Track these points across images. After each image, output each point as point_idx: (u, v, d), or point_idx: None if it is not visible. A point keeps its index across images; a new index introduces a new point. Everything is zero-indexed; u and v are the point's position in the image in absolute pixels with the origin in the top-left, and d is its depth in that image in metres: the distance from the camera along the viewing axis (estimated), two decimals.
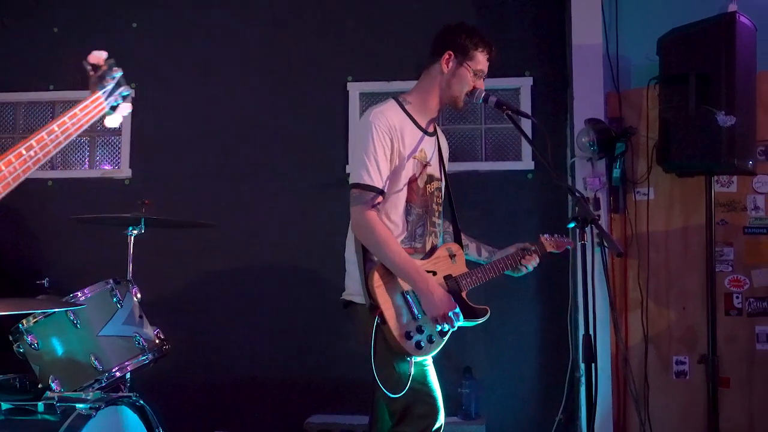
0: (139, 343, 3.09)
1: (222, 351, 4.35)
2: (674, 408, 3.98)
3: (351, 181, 2.75)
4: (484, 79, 2.90)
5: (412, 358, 2.64)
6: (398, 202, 2.78)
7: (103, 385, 2.98)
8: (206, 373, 4.36)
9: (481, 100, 2.84)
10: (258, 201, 4.44)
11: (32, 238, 4.63)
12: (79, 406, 2.52)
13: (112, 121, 2.19)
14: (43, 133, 1.73)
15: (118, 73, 2.17)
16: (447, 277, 2.83)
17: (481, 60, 2.85)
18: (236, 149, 4.55)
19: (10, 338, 3.05)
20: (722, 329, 3.85)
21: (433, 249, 2.87)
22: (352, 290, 2.76)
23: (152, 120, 4.63)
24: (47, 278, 3.23)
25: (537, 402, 4.22)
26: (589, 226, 2.54)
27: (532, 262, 2.97)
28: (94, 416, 2.48)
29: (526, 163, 4.38)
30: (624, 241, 4.06)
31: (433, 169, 2.89)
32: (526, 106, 4.34)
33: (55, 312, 2.94)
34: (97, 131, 4.79)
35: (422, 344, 2.65)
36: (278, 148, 4.48)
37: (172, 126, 4.62)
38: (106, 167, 4.73)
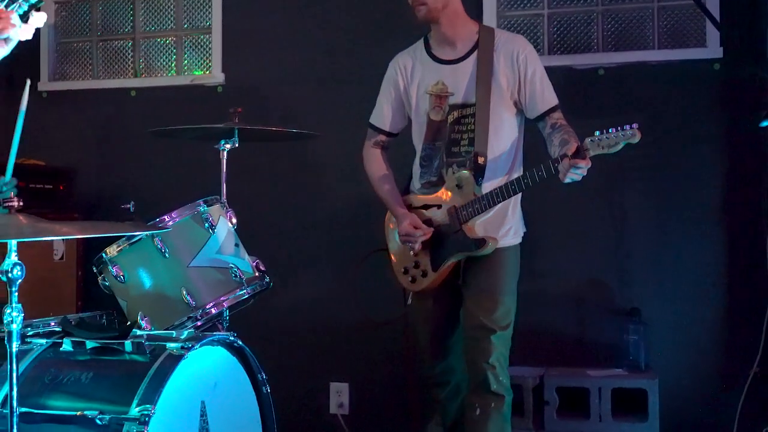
0: (236, 276, 3.19)
1: (336, 288, 4.46)
2: None
3: None
4: None
5: (410, 294, 3.41)
6: (418, 139, 3.43)
7: (198, 323, 3.14)
8: (316, 313, 4.51)
9: None
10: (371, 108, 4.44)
11: (114, 156, 4.89)
12: (170, 345, 2.67)
13: (23, 34, 2.19)
14: None
15: None
16: (451, 210, 3.27)
17: None
18: (345, 46, 4.59)
19: (94, 270, 3.25)
20: None
21: (442, 181, 3.32)
22: None
23: (246, 13, 4.72)
24: (132, 202, 3.39)
25: (724, 352, 4.13)
26: None
27: (575, 170, 2.94)
28: (186, 357, 2.63)
29: (713, 49, 4.15)
30: None
31: (458, 97, 3.31)
32: None
33: (140, 239, 3.09)
34: (183, 30, 4.94)
35: (416, 278, 3.34)
36: (396, 44, 4.44)
37: (271, 20, 4.69)
38: (196, 73, 4.89)
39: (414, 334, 3.54)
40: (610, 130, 2.94)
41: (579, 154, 2.94)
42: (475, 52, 3.32)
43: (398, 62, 3.48)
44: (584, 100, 4.25)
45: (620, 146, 2.93)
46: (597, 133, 2.95)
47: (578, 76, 4.32)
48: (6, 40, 2.17)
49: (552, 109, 3.29)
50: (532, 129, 3.43)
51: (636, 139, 2.92)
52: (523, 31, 4.44)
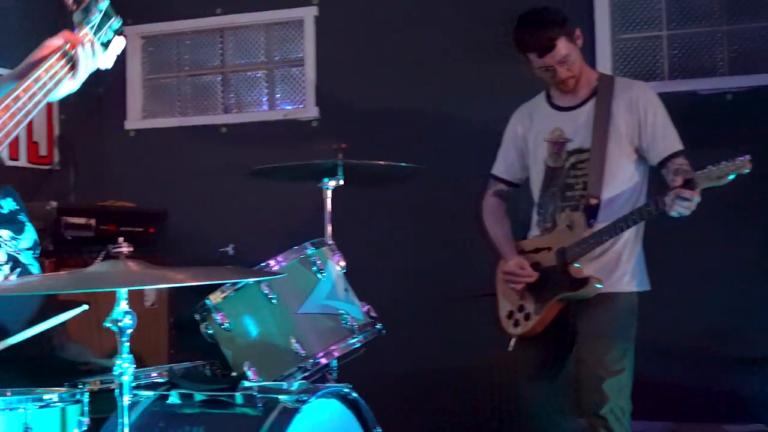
0: (347, 323, 3.18)
1: (458, 334, 4.41)
2: None
3: None
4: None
5: (512, 339, 3.48)
6: (536, 186, 3.56)
7: (307, 374, 3.12)
8: (434, 362, 4.48)
9: None
10: (477, 137, 4.41)
11: (205, 197, 4.93)
12: (283, 398, 2.66)
13: (105, 62, 2.33)
14: (29, 81, 1.95)
15: (103, 3, 2.27)
16: (558, 251, 3.35)
17: None
18: (444, 72, 4.59)
19: (197, 317, 3.27)
20: None
21: (556, 225, 3.44)
22: None
23: (339, 44, 4.76)
24: (232, 245, 3.41)
25: None
26: None
27: (680, 202, 2.96)
28: (301, 411, 2.62)
29: None
30: None
31: (576, 143, 3.43)
32: None
33: (246, 285, 3.11)
34: (274, 62, 5.01)
35: (519, 322, 3.44)
36: (497, 67, 4.43)
37: (366, 49, 4.74)
38: (288, 107, 4.94)
39: (513, 384, 3.64)
40: (720, 162, 2.96)
41: (687, 185, 2.96)
42: (594, 98, 3.43)
43: (519, 113, 3.67)
44: (710, 127, 4.16)
45: (730, 178, 2.95)
46: (708, 165, 2.97)
47: (703, 101, 4.25)
48: (73, 73, 2.25)
49: (674, 155, 3.32)
50: None
51: (746, 170, 2.92)
52: (641, 55, 4.41)
